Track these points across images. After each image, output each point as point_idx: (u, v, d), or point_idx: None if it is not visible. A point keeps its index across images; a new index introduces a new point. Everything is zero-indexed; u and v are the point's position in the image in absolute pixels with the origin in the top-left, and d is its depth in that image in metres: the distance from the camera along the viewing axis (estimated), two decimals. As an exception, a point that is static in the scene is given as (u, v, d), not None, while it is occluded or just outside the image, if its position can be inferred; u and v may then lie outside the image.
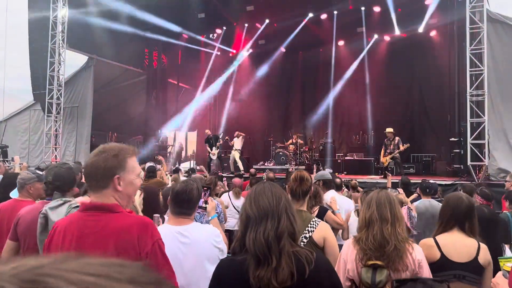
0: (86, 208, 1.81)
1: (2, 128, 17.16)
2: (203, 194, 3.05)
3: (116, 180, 1.75)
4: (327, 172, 5.54)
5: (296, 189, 2.93)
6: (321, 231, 2.75)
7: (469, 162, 10.26)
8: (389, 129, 12.19)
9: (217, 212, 3.83)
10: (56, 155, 14.61)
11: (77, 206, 2.68)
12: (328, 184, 5.33)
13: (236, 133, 14.35)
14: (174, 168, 10.95)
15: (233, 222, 5.82)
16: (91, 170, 1.76)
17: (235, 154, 13.87)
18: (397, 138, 12.02)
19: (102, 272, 0.36)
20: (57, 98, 14.55)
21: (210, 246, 2.51)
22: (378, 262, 2.38)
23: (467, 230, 2.79)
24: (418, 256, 2.43)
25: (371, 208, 2.51)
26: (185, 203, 2.57)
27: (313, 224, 2.76)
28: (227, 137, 14.30)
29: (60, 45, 14.36)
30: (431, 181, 5.72)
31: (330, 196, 5.04)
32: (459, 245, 2.77)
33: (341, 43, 17.55)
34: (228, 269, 1.81)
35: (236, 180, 6.75)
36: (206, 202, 3.09)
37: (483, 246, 2.80)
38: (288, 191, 2.97)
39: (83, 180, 5.64)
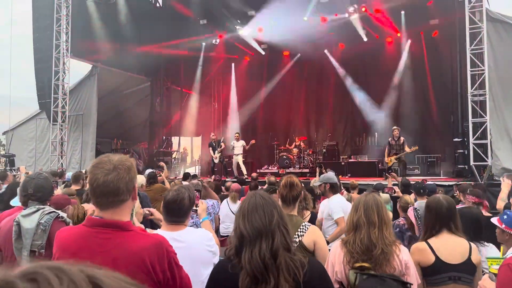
0: (94, 224, 1.74)
1: (9, 137, 17.38)
2: None
3: (136, 189, 1.80)
4: (333, 175, 5.36)
5: (287, 195, 2.98)
6: (311, 235, 2.81)
7: (472, 163, 10.22)
8: (396, 127, 12.13)
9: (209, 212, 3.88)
10: (62, 163, 14.76)
11: (50, 213, 2.72)
12: (334, 188, 5.15)
13: (236, 135, 14.38)
14: (184, 173, 10.92)
15: (231, 228, 5.80)
16: (113, 187, 1.68)
17: (239, 159, 13.90)
18: (402, 138, 11.95)
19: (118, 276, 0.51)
20: (62, 106, 14.72)
21: (204, 250, 2.56)
22: (365, 265, 2.41)
23: (454, 230, 2.82)
24: (405, 257, 2.46)
25: (358, 211, 2.55)
26: (176, 212, 2.62)
27: (303, 228, 2.81)
28: (235, 138, 14.25)
29: (64, 54, 14.54)
30: (427, 182, 5.72)
31: (336, 201, 4.97)
32: (451, 246, 2.78)
33: (343, 45, 17.57)
34: (224, 272, 1.86)
35: (234, 185, 6.74)
36: (196, 205, 3.13)
37: (474, 246, 2.83)
38: (279, 197, 3.02)
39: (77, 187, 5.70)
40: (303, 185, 3.25)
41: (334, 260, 2.53)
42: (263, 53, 18.56)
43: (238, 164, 13.88)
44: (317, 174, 10.40)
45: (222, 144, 13.77)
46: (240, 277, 1.75)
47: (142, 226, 3.15)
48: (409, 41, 16.15)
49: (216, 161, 13.78)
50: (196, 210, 3.13)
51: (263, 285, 1.71)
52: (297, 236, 2.76)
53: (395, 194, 6.25)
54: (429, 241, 2.82)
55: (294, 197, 3.01)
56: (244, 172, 13.42)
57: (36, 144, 16.44)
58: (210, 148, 13.97)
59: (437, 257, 2.73)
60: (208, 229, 2.96)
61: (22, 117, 17.40)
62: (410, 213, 4.12)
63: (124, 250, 1.68)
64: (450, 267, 2.71)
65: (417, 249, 2.82)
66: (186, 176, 9.20)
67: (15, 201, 3.45)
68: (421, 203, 4.96)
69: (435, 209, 2.85)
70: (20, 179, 8.41)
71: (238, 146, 13.97)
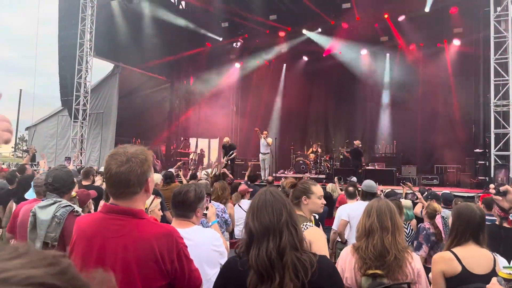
0: (109, 210, 1.77)
1: (31, 133, 17.78)
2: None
3: (149, 183, 1.79)
4: (372, 184, 5.31)
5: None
6: (308, 235, 2.74)
7: (493, 174, 9.99)
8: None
9: (223, 217, 3.88)
10: (81, 160, 15.00)
11: (66, 206, 2.75)
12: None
13: (265, 133, 13.50)
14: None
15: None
16: (124, 178, 1.70)
17: (266, 159, 13.34)
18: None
19: None
20: (83, 104, 14.99)
21: (209, 250, 2.54)
22: (378, 272, 2.37)
23: (482, 241, 2.71)
24: (417, 265, 2.41)
25: (371, 217, 2.50)
26: (180, 205, 2.58)
27: (302, 228, 2.78)
28: (264, 136, 13.22)
29: (88, 53, 14.82)
30: (442, 192, 5.63)
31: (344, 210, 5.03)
32: (477, 257, 2.66)
33: (364, 52, 17.44)
34: (234, 269, 1.85)
35: (242, 187, 6.50)
36: (206, 208, 3.11)
37: (498, 258, 2.73)
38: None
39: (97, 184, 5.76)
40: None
41: (345, 266, 2.49)
42: (282, 56, 18.54)
43: (265, 166, 13.27)
44: (336, 184, 10.23)
45: (234, 152, 13.16)
46: (249, 275, 1.74)
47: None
48: (432, 49, 15.93)
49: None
50: (206, 214, 3.11)
51: (269, 283, 1.70)
52: None
53: (417, 201, 6.22)
54: (454, 250, 2.69)
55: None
56: (265, 176, 12.94)
57: (57, 140, 16.76)
58: (223, 150, 13.75)
59: (463, 267, 2.62)
60: (217, 232, 2.95)
61: (45, 114, 17.79)
62: (438, 220, 4.10)
63: (134, 237, 1.70)
64: (477, 278, 2.59)
65: (442, 258, 2.69)
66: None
67: (29, 194, 3.49)
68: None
69: (468, 217, 2.71)
70: (39, 174, 8.58)
71: (264, 145, 13.34)
